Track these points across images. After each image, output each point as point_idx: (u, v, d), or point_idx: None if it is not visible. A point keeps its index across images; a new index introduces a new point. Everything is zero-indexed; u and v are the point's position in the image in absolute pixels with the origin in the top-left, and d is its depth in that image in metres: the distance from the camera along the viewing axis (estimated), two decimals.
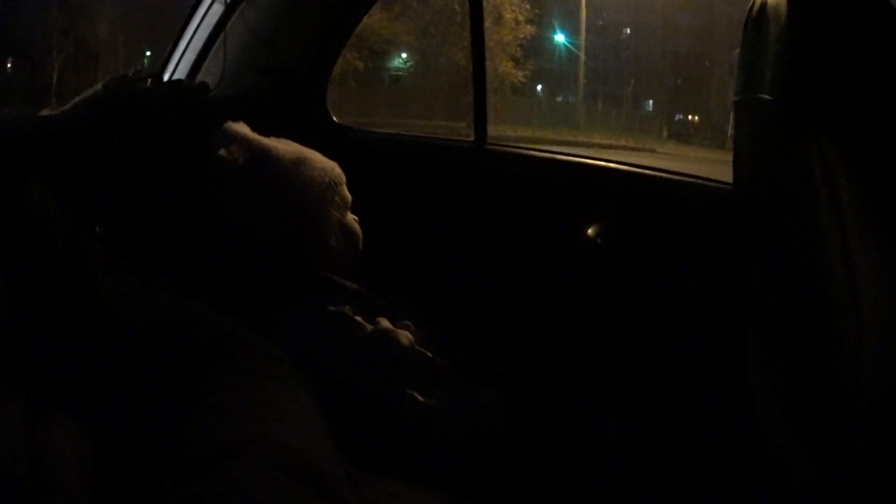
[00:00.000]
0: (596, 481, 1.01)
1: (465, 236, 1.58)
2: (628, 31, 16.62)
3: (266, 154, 1.08)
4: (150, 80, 1.01)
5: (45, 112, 0.98)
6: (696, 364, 1.30)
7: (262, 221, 1.06)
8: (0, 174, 0.61)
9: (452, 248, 1.57)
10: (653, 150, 13.02)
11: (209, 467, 0.47)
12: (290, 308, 1.00)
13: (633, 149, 13.22)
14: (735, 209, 1.15)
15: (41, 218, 0.60)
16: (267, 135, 1.12)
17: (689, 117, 16.24)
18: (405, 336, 1.00)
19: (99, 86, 0.97)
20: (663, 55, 16.26)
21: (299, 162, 1.09)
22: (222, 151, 1.05)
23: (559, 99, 16.89)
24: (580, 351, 1.38)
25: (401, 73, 14.78)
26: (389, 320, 1.02)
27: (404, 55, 14.47)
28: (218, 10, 1.67)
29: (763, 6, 0.87)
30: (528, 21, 13.31)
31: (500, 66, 12.80)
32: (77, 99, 0.97)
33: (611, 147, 12.27)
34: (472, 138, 1.69)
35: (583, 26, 15.30)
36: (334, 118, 1.82)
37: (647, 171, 1.52)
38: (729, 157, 1.12)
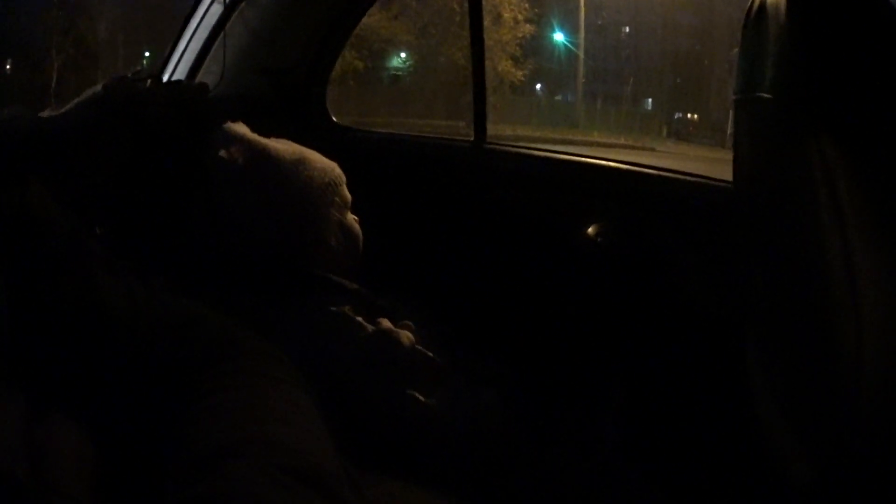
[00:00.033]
0: (596, 481, 1.01)
1: (465, 236, 1.58)
2: (627, 29, 16.64)
3: (266, 154, 1.08)
4: (149, 81, 1.01)
5: (45, 113, 0.98)
6: (695, 364, 1.30)
7: (261, 222, 1.06)
8: (0, 174, 0.61)
9: (452, 248, 1.57)
10: (652, 149, 13.04)
11: (209, 468, 0.47)
12: (291, 308, 1.00)
13: (632, 147, 13.23)
14: (735, 208, 1.15)
15: (41, 218, 0.60)
16: (267, 135, 1.12)
17: (689, 116, 16.26)
18: (406, 336, 1.00)
19: (99, 86, 0.98)
20: (663, 54, 16.27)
21: (299, 162, 1.09)
22: (222, 152, 1.05)
23: (558, 98, 16.91)
24: (580, 351, 1.37)
25: (400, 73, 14.80)
26: (390, 320, 1.02)
27: (403, 54, 14.48)
28: (217, 10, 1.67)
29: (763, 5, 0.87)
30: (528, 20, 13.34)
31: (500, 66, 12.80)
32: (77, 99, 0.97)
33: (610, 146, 12.28)
34: (472, 137, 1.69)
35: (582, 25, 15.32)
36: (334, 118, 1.82)
37: (648, 171, 1.52)
38: (728, 155, 1.11)
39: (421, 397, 0.97)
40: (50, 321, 0.56)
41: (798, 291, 0.87)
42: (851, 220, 0.70)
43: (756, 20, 0.89)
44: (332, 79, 1.84)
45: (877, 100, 0.71)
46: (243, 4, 1.66)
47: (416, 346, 1.00)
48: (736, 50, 1.01)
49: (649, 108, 16.62)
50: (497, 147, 1.68)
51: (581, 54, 15.49)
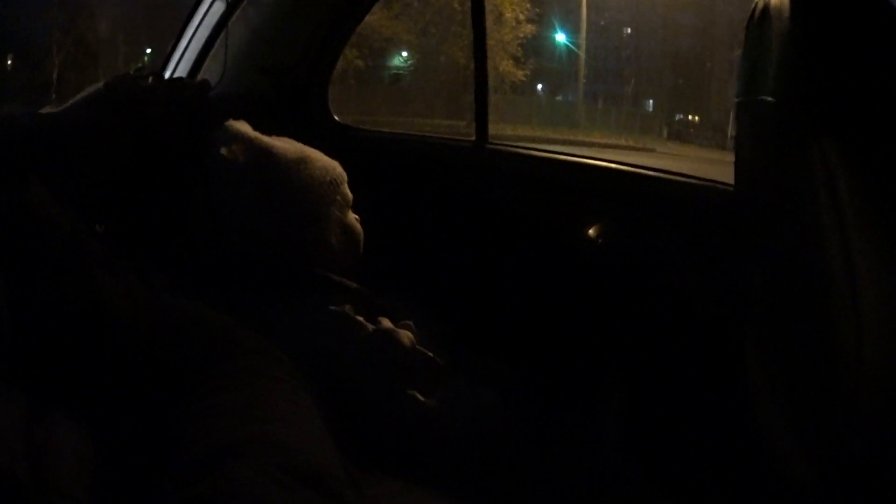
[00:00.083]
0: (596, 481, 1.01)
1: (466, 236, 1.58)
2: (629, 30, 16.64)
3: (267, 153, 1.08)
4: (150, 79, 1.01)
5: (45, 110, 0.98)
6: (696, 364, 1.30)
7: (262, 221, 1.06)
8: (0, 174, 0.61)
9: (453, 248, 1.57)
10: (653, 150, 13.04)
11: (210, 467, 0.47)
12: (291, 307, 1.00)
13: (633, 148, 13.25)
14: (736, 210, 1.15)
15: (41, 218, 0.60)
16: (268, 133, 1.12)
17: (690, 117, 16.26)
18: (406, 336, 1.00)
19: (99, 84, 0.97)
20: (664, 55, 16.27)
21: (300, 161, 1.09)
22: (223, 150, 1.05)
23: (559, 98, 16.91)
24: (580, 351, 1.38)
25: (401, 72, 14.79)
26: (390, 320, 1.02)
27: (405, 54, 14.47)
28: (219, 8, 1.67)
29: (766, 8, 0.87)
30: (529, 20, 13.32)
31: (501, 65, 12.79)
32: (77, 97, 0.97)
33: (611, 146, 12.29)
34: (473, 137, 1.69)
35: (583, 25, 15.32)
36: (335, 117, 1.82)
37: (649, 172, 1.52)
38: (729, 156, 1.11)
39: (421, 397, 0.97)
40: (50, 321, 0.56)
41: (798, 292, 0.87)
42: (852, 222, 0.70)
43: (759, 23, 0.89)
44: (332, 78, 1.84)
45: (878, 103, 0.71)
46: (245, 3, 1.66)
47: (417, 346, 1.00)
48: (738, 52, 1.01)
49: (650, 108, 16.62)
50: (498, 147, 1.68)
51: (582, 55, 15.49)
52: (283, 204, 1.06)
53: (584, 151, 1.74)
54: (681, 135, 15.56)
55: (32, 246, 0.58)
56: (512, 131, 12.25)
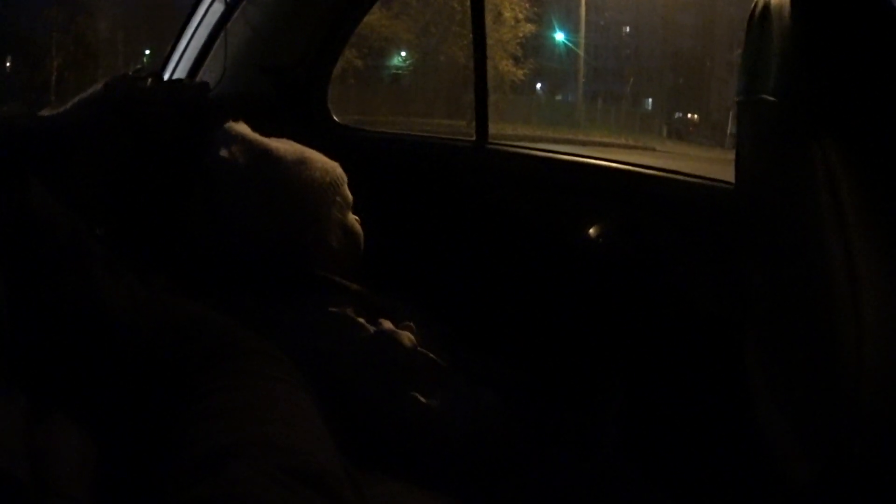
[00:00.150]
0: (596, 481, 1.01)
1: (466, 236, 1.58)
2: (628, 29, 16.65)
3: (267, 154, 1.07)
4: (150, 79, 1.01)
5: (45, 112, 0.98)
6: (695, 364, 1.30)
7: (262, 222, 1.06)
8: (0, 174, 0.61)
9: (454, 248, 1.57)
10: (652, 149, 13.05)
11: (210, 468, 0.47)
12: (291, 308, 1.00)
13: (632, 147, 13.25)
14: (736, 209, 1.15)
15: (41, 218, 0.60)
16: (268, 134, 1.12)
17: (689, 116, 16.27)
18: (407, 337, 0.99)
19: (99, 85, 0.97)
20: (663, 54, 16.28)
21: (300, 162, 1.09)
22: (223, 152, 1.05)
23: (559, 97, 16.91)
24: (581, 351, 1.38)
25: (401, 72, 14.78)
26: (391, 321, 1.02)
27: (404, 53, 14.47)
28: (219, 8, 1.67)
29: (766, 7, 0.87)
30: (528, 19, 13.32)
31: (500, 65, 12.79)
32: (77, 98, 0.97)
33: (610, 145, 12.30)
34: (473, 137, 1.69)
35: (582, 24, 15.32)
36: (335, 118, 1.82)
37: (649, 171, 1.52)
38: (728, 155, 1.12)
39: (422, 398, 0.97)
40: (50, 321, 0.56)
41: (799, 292, 0.87)
42: (853, 221, 0.70)
43: (760, 22, 0.89)
44: (332, 78, 1.84)
45: (879, 103, 0.71)
46: (244, 3, 1.65)
47: (418, 348, 1.00)
48: (738, 51, 1.02)
49: (649, 107, 16.62)
50: (499, 147, 1.68)
51: (582, 54, 15.49)
52: (283, 205, 1.06)
53: (584, 150, 1.74)
54: (680, 133, 15.57)
55: (33, 247, 0.58)
56: (511, 130, 12.25)
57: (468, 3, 1.65)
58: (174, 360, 0.61)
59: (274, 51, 1.71)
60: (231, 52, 1.61)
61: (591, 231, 1.47)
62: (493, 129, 1.70)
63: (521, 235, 1.55)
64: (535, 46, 14.36)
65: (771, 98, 0.84)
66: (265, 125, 1.13)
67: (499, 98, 12.94)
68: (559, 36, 15.09)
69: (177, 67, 1.76)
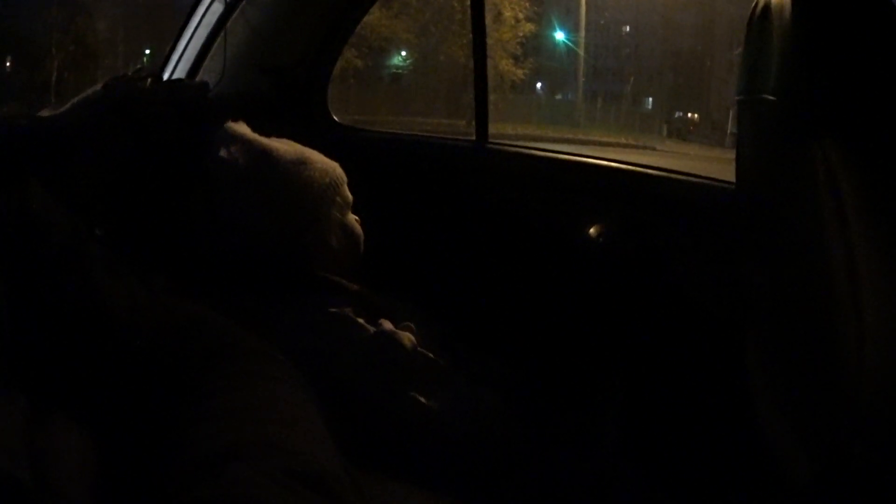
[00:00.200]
0: (596, 481, 1.01)
1: (466, 236, 1.58)
2: (628, 28, 16.64)
3: (266, 154, 1.07)
4: (149, 80, 1.01)
5: (44, 112, 0.98)
6: (696, 364, 1.30)
7: (262, 222, 1.06)
8: (0, 174, 0.61)
9: (454, 248, 1.57)
10: (652, 148, 13.04)
11: (211, 470, 0.47)
12: (291, 309, 1.00)
13: (632, 146, 13.23)
14: (737, 209, 1.15)
15: (42, 219, 0.60)
16: (267, 134, 1.12)
17: (689, 115, 16.26)
18: (407, 338, 0.99)
19: (98, 85, 0.97)
20: (663, 53, 16.28)
21: (300, 162, 1.09)
22: (222, 152, 1.05)
23: (559, 97, 16.90)
24: (581, 351, 1.38)
25: (401, 71, 14.78)
26: (391, 321, 1.02)
27: (404, 53, 14.46)
28: (218, 8, 1.67)
29: (767, 6, 0.87)
30: (528, 19, 13.31)
31: (500, 64, 12.78)
32: (77, 98, 0.97)
33: (610, 145, 12.29)
34: (474, 137, 1.69)
35: (582, 24, 15.32)
36: (335, 118, 1.82)
37: (650, 171, 1.52)
38: (728, 154, 1.11)
39: (422, 399, 0.97)
40: (51, 322, 0.56)
41: (800, 292, 0.87)
42: (853, 221, 0.70)
43: (760, 21, 0.89)
44: (332, 77, 1.84)
45: (880, 102, 0.71)
46: (244, 3, 1.65)
47: (418, 348, 1.00)
48: (738, 50, 1.01)
49: (649, 107, 16.61)
50: (499, 147, 1.68)
51: (581, 53, 15.49)
52: (283, 205, 1.06)
53: (584, 150, 1.74)
54: (680, 133, 15.56)
55: (33, 248, 0.58)
56: (511, 130, 12.24)
57: (468, 3, 1.65)
58: (174, 360, 0.61)
59: (274, 51, 1.71)
60: (231, 52, 1.61)
61: (592, 231, 1.47)
62: (493, 128, 1.70)
63: (521, 235, 1.55)
64: (535, 46, 14.36)
65: (771, 97, 0.84)
66: (265, 125, 1.13)
67: (499, 97, 12.94)
68: (559, 35, 15.10)
69: (176, 67, 1.76)
